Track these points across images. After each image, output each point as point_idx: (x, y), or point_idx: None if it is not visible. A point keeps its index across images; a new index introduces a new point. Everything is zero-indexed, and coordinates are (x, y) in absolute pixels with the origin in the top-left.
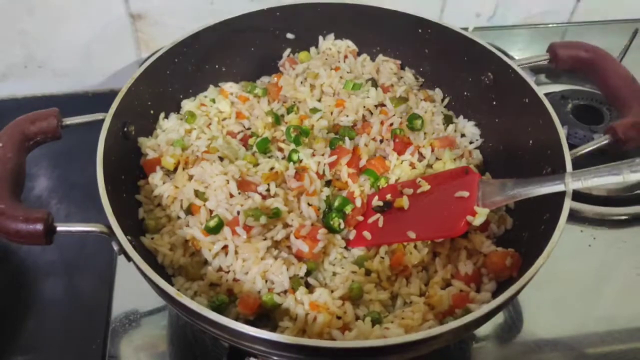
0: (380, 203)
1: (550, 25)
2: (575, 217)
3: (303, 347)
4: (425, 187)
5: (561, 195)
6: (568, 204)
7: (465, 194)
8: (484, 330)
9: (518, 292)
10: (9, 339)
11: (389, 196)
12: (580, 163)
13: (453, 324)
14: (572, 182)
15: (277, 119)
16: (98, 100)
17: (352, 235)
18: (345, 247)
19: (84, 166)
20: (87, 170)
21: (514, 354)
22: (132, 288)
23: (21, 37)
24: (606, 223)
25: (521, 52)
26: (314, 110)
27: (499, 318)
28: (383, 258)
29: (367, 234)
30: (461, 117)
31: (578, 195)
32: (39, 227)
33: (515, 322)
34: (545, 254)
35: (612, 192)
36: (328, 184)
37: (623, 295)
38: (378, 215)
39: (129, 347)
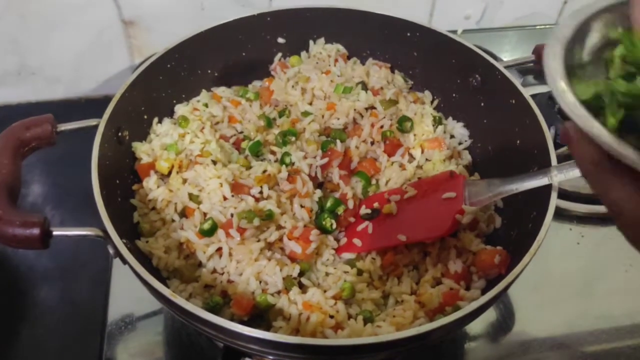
0: (369, 211)
1: (538, 27)
2: (563, 215)
3: (297, 346)
4: (412, 192)
5: (547, 192)
6: (554, 199)
7: (452, 194)
8: (476, 329)
9: (506, 288)
10: (5, 345)
11: (376, 204)
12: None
13: (442, 321)
14: (557, 175)
15: (269, 123)
16: (91, 106)
17: (342, 241)
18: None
19: (77, 172)
20: (80, 176)
21: (506, 352)
22: (127, 292)
23: (14, 44)
24: (594, 220)
25: (509, 54)
26: (306, 114)
27: (491, 317)
28: (374, 259)
29: (357, 241)
30: (450, 118)
31: (566, 194)
32: (36, 231)
33: (507, 321)
34: (532, 250)
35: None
36: (320, 186)
37: (612, 292)
38: (367, 222)
39: (125, 351)
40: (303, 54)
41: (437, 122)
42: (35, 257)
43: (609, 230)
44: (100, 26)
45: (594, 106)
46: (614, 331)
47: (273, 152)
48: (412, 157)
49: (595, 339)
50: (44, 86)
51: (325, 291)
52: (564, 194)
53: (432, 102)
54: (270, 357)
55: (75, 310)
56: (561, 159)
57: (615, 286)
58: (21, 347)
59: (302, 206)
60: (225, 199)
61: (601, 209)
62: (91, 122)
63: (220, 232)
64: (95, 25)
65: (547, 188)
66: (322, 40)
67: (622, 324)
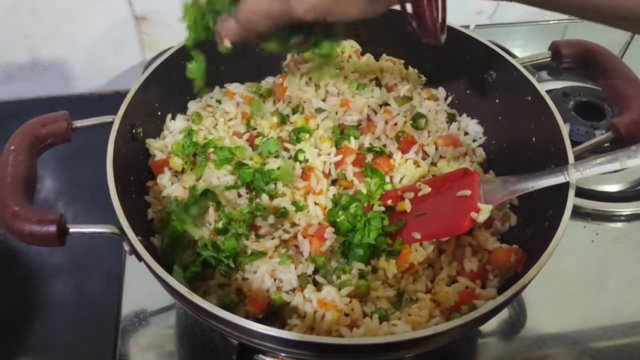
0: (382, 208)
1: (550, 22)
2: (578, 213)
3: (312, 344)
4: (426, 190)
5: (564, 190)
6: (572, 197)
7: (467, 192)
8: (488, 325)
9: (523, 288)
10: (20, 341)
11: (389, 202)
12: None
13: (459, 321)
14: (574, 173)
15: (283, 119)
16: (103, 101)
17: None
18: None
19: (89, 168)
20: (93, 172)
21: (519, 349)
22: (140, 288)
23: (26, 40)
24: (609, 219)
25: (522, 49)
26: (319, 110)
27: (504, 314)
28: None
29: None
30: (464, 115)
31: (581, 192)
32: (52, 228)
33: (520, 318)
34: (549, 250)
35: (615, 188)
36: (334, 183)
37: (626, 289)
38: None
39: (139, 346)
40: None
41: (451, 119)
42: (48, 254)
43: (624, 229)
44: (112, 22)
45: None
46: (627, 328)
47: (287, 149)
48: (426, 154)
49: (608, 336)
50: (55, 82)
51: (339, 289)
52: (578, 192)
53: (446, 99)
54: (285, 355)
55: (88, 306)
56: (577, 156)
57: (629, 284)
58: (35, 343)
59: (316, 203)
60: (239, 196)
61: (616, 207)
62: (106, 118)
63: None
64: (106, 21)
65: (564, 186)
66: None
67: (635, 321)
